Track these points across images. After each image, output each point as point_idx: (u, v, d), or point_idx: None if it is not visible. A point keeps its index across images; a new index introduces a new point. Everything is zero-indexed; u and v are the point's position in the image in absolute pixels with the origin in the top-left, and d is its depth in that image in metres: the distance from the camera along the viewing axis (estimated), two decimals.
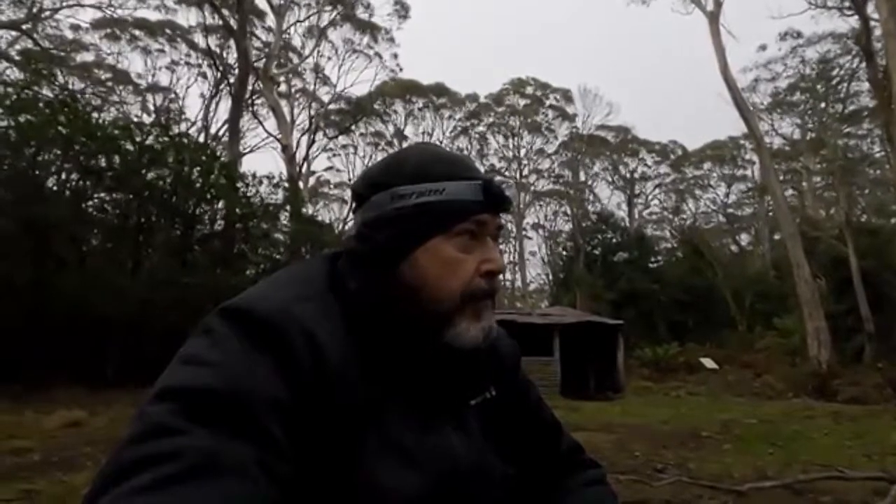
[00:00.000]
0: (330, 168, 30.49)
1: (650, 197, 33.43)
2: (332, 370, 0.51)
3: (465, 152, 29.08)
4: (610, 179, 32.55)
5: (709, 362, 17.11)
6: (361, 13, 23.17)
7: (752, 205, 30.57)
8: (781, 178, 21.14)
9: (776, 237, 25.80)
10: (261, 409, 0.46)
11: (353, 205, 0.65)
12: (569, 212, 31.50)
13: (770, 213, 26.28)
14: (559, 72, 70.10)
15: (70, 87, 14.74)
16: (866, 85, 17.59)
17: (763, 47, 21.97)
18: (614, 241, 27.06)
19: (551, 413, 0.77)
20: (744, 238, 32.50)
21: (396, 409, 0.56)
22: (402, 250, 0.59)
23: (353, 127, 25.44)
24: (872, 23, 14.97)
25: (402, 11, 23.40)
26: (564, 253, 30.35)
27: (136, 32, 22.33)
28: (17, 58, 15.27)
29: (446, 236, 0.59)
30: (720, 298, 22.78)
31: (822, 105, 20.90)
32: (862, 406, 9.97)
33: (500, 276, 0.63)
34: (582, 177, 31.82)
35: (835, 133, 20.70)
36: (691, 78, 52.82)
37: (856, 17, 15.87)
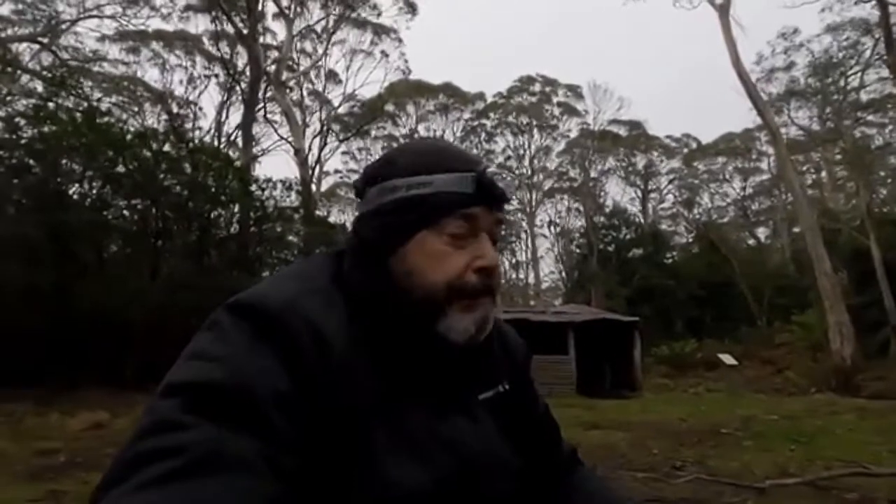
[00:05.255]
0: (342, 171, 30.80)
1: (664, 192, 33.00)
2: (337, 363, 0.52)
3: (475, 151, 28.95)
4: (623, 175, 32.21)
5: (728, 358, 16.86)
6: (369, 15, 23.31)
7: (770, 198, 29.99)
8: (799, 169, 20.69)
9: (795, 230, 25.27)
10: (266, 402, 0.46)
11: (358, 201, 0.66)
12: (581, 209, 31.24)
13: (788, 206, 25.74)
14: (570, 68, 69.68)
15: (90, 97, 15.06)
16: (885, 72, 17.14)
17: (767, 54, 21.46)
18: (628, 237, 26.77)
19: (551, 414, 0.79)
20: (762, 232, 31.92)
21: (404, 400, 0.56)
22: (390, 244, 0.59)
23: (363, 129, 25.58)
24: (892, 8, 14.60)
25: (409, 11, 23.47)
26: (577, 250, 30.08)
27: (152, 43, 22.76)
28: (38, 70, 15.65)
29: (434, 230, 0.58)
30: (738, 293, 22.39)
31: (839, 94, 20.39)
32: (888, 401, 9.69)
33: (499, 273, 0.61)
34: (594, 173, 31.54)
35: (853, 122, 20.19)
36: (705, 70, 52.03)
37: (873, 2, 15.49)
